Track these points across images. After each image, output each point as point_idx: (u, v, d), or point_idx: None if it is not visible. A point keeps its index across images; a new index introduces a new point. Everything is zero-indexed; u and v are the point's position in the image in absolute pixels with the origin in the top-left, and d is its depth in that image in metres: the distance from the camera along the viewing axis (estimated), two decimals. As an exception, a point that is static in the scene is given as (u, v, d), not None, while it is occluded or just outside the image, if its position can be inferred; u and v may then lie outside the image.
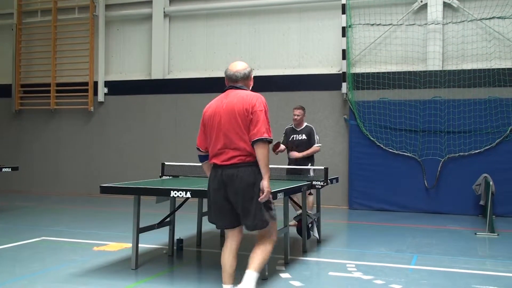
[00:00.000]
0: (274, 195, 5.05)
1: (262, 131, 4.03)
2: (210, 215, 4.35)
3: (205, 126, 4.28)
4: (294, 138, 8.18)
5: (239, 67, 4.33)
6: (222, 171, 4.12)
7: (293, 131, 8.27)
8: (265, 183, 4.07)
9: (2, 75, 14.38)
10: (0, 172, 9.68)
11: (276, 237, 4.43)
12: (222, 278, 4.27)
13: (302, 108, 8.30)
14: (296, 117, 8.21)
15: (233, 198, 4.12)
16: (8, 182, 13.14)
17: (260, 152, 4.04)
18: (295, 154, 8.00)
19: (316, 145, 8.11)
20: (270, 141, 4.08)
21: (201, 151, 4.37)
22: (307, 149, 8.06)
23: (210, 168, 4.31)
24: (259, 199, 4.06)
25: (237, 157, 4.09)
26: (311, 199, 8.08)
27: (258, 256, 4.19)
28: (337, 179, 7.86)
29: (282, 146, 8.00)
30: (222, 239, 7.40)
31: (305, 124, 8.26)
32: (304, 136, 8.12)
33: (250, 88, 4.40)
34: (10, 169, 9.80)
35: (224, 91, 4.35)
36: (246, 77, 4.33)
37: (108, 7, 13.56)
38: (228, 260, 4.23)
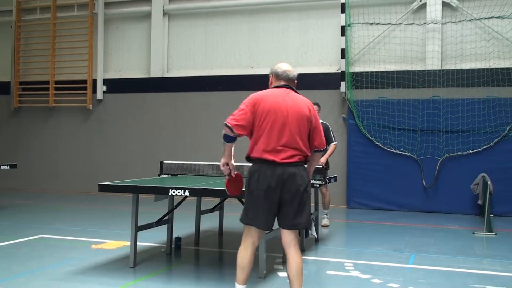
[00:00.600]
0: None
1: (324, 143, 4.27)
2: (254, 215, 4.02)
3: (261, 116, 4.03)
4: None
5: (291, 68, 4.34)
6: (283, 170, 3.98)
7: None
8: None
9: (1, 72, 14.37)
10: (-1, 169, 9.67)
11: None
12: (238, 277, 4.05)
13: (317, 105, 8.04)
14: None
15: (288, 197, 3.98)
16: (7, 179, 13.14)
17: (318, 159, 4.37)
18: (322, 160, 7.71)
19: (333, 143, 8.03)
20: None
21: (233, 132, 4.01)
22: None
23: (231, 152, 4.15)
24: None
25: (297, 156, 4.02)
26: (327, 198, 8.24)
27: (301, 275, 4.03)
28: (335, 178, 7.88)
29: None
30: (220, 237, 7.44)
31: (320, 121, 8.09)
32: None
33: None
34: (8, 167, 9.79)
35: (278, 87, 4.24)
36: (295, 78, 4.35)
37: (107, 5, 13.55)
38: (250, 260, 4.03)
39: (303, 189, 3.99)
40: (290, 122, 4.01)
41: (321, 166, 7.11)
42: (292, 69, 4.31)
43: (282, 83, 4.23)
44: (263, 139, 4.00)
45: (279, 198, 3.96)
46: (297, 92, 4.23)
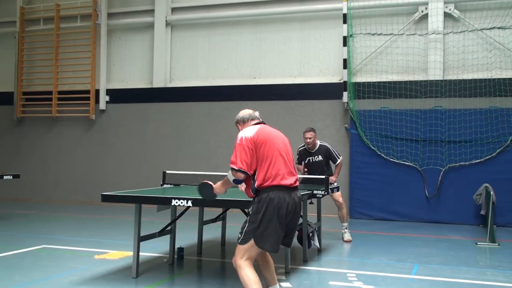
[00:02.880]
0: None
1: None
2: (270, 239, 4.10)
3: (260, 149, 4.20)
4: (311, 160, 7.94)
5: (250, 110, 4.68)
6: (295, 194, 4.27)
7: (307, 152, 7.99)
8: None
9: (4, 82, 14.43)
10: (1, 179, 9.69)
11: None
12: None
13: (313, 130, 7.96)
14: (308, 140, 7.89)
15: (295, 218, 4.31)
16: (9, 189, 13.15)
17: None
18: (333, 179, 7.71)
19: (339, 160, 7.95)
20: None
21: (246, 174, 4.16)
22: (324, 169, 7.87)
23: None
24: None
25: (297, 181, 4.40)
26: (344, 210, 8.10)
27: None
28: (337, 188, 7.87)
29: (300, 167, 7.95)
30: (222, 248, 7.43)
31: (318, 143, 7.98)
32: (320, 158, 7.89)
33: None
34: (11, 177, 9.80)
35: (256, 124, 4.52)
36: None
37: (110, 15, 13.63)
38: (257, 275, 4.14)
39: (299, 212, 4.40)
40: (286, 151, 4.36)
41: (323, 177, 7.13)
42: (253, 111, 4.65)
43: (256, 121, 4.53)
44: (272, 166, 4.18)
45: (290, 219, 4.22)
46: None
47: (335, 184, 7.90)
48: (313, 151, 7.97)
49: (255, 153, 4.18)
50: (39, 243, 7.54)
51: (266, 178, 4.15)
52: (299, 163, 8.02)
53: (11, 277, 5.63)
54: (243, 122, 4.54)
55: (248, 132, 4.27)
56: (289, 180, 4.19)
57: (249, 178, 4.22)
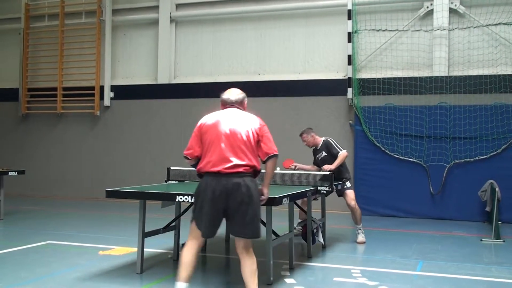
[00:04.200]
0: (280, 200, 5.07)
1: (270, 151, 4.47)
2: (200, 222, 4.32)
3: (205, 135, 4.43)
4: (319, 158, 7.91)
5: (236, 93, 4.73)
6: (228, 180, 4.22)
7: (316, 150, 8.01)
8: (266, 191, 4.52)
9: (9, 79, 14.46)
10: (7, 175, 9.72)
11: None
12: (180, 274, 4.26)
13: (305, 132, 7.94)
14: (304, 143, 7.97)
15: (233, 206, 4.22)
16: (14, 185, 13.19)
17: (270, 167, 4.49)
18: (326, 167, 7.56)
19: (340, 152, 7.76)
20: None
21: (188, 159, 4.53)
22: (330, 163, 7.73)
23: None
24: (260, 204, 4.38)
25: (242, 167, 4.28)
26: (358, 212, 7.84)
27: (255, 277, 4.33)
28: (350, 188, 7.85)
29: (291, 163, 7.90)
30: (227, 244, 7.43)
31: (322, 140, 7.93)
32: (324, 153, 7.84)
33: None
34: (16, 173, 9.84)
35: (224, 108, 4.66)
36: (240, 101, 4.68)
37: (114, 12, 13.64)
38: (194, 259, 4.32)
39: (248, 199, 4.22)
40: (232, 136, 4.34)
41: (328, 173, 7.12)
42: (236, 93, 4.72)
43: (227, 106, 4.63)
44: (208, 154, 4.35)
45: (225, 207, 4.23)
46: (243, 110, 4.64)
47: (349, 184, 7.79)
48: (318, 148, 7.95)
49: (201, 139, 4.45)
50: (44, 239, 7.56)
51: (202, 165, 4.37)
52: (314, 163, 8.02)
53: (17, 273, 5.66)
54: (221, 103, 4.70)
55: (204, 118, 4.54)
56: (218, 167, 4.24)
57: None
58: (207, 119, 4.50)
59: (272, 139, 4.54)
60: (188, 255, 4.30)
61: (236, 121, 4.42)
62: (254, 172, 4.38)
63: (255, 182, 4.38)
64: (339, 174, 7.66)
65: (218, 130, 4.37)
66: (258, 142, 4.44)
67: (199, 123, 4.52)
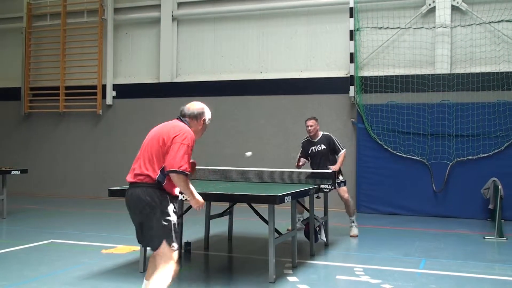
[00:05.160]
0: (282, 198, 5.06)
1: (172, 165, 3.98)
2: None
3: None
4: (314, 150, 7.89)
5: (194, 106, 4.41)
6: (134, 190, 4.13)
7: (310, 143, 7.96)
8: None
9: (12, 78, 14.47)
10: (9, 174, 9.73)
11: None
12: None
13: (314, 118, 7.93)
14: (309, 128, 7.85)
15: (134, 216, 4.18)
16: (17, 184, 13.20)
17: (175, 181, 4.05)
18: (333, 168, 7.59)
19: (342, 152, 7.85)
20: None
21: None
22: (328, 158, 7.83)
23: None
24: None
25: (144, 178, 4.10)
26: (350, 204, 7.96)
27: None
28: (344, 183, 7.85)
29: (302, 160, 7.92)
30: (229, 242, 7.44)
31: (321, 133, 7.95)
32: (323, 146, 7.83)
33: (199, 129, 4.35)
34: (19, 172, 9.86)
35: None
36: (193, 116, 4.32)
37: (116, 10, 13.63)
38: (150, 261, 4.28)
39: (149, 211, 3.99)
40: (147, 146, 4.17)
41: (330, 171, 7.12)
42: (194, 107, 4.36)
43: (177, 117, 4.36)
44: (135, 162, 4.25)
45: (132, 216, 4.17)
46: (185, 123, 4.24)
47: (341, 178, 7.85)
48: (316, 140, 7.94)
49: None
50: (47, 237, 7.58)
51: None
52: (303, 156, 8.02)
53: (20, 271, 5.67)
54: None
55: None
56: (129, 177, 4.20)
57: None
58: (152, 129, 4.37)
59: (184, 152, 3.99)
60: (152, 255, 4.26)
61: (157, 131, 4.21)
62: (159, 183, 4.05)
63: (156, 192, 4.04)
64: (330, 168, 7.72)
65: (145, 140, 4.27)
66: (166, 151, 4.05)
67: None
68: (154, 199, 4.00)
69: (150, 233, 4.02)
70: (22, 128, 14.35)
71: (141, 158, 4.16)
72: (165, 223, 3.97)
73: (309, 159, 8.03)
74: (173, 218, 4.03)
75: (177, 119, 4.31)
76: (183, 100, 14.01)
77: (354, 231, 8.06)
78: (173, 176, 3.98)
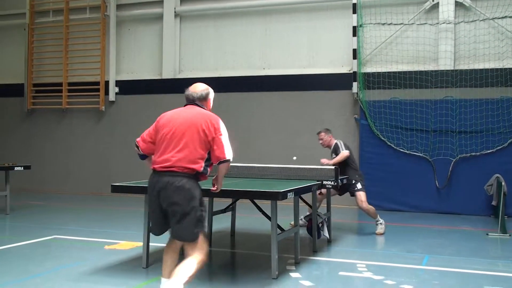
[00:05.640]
0: (285, 194, 5.06)
1: (222, 155, 4.23)
2: (152, 223, 4.41)
3: (158, 134, 4.31)
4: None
5: (199, 88, 4.47)
6: (165, 177, 4.10)
7: (331, 151, 8.13)
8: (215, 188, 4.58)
9: (15, 74, 14.49)
10: (13, 170, 9.75)
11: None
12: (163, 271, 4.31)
13: (323, 131, 8.11)
14: (320, 141, 8.09)
15: (165, 206, 4.15)
16: (20, 181, 13.24)
17: (222, 171, 4.42)
18: (324, 161, 7.74)
19: (340, 152, 7.84)
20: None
21: (139, 150, 4.47)
22: (345, 167, 7.83)
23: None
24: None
25: (179, 167, 4.11)
26: (371, 211, 7.93)
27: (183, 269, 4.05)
28: (359, 189, 7.83)
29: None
30: (232, 238, 7.45)
31: (334, 141, 8.06)
32: (334, 155, 7.94)
33: (209, 109, 4.54)
34: (22, 168, 9.87)
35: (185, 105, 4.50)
36: (202, 98, 4.44)
37: (119, 7, 13.63)
38: (171, 256, 4.35)
39: (190, 201, 4.03)
40: (183, 136, 4.15)
41: (331, 167, 7.10)
42: (200, 89, 4.45)
43: (187, 102, 4.46)
44: (157, 150, 4.26)
45: (160, 206, 4.13)
46: (203, 108, 4.42)
47: (359, 186, 7.87)
48: (331, 149, 8.06)
49: (154, 134, 4.35)
50: (50, 233, 7.59)
51: (152, 161, 4.29)
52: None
53: (24, 267, 5.69)
54: (185, 98, 4.54)
55: (163, 113, 4.43)
56: (160, 164, 4.15)
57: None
58: (164, 117, 4.38)
59: (227, 141, 4.24)
60: (165, 251, 4.35)
61: (180, 118, 4.25)
62: (196, 173, 4.14)
63: (194, 183, 4.15)
64: (347, 175, 7.74)
65: (168, 128, 4.22)
66: (209, 143, 4.19)
67: (157, 121, 4.42)
68: (195, 189, 4.11)
69: (187, 224, 4.02)
70: (25, 125, 14.37)
71: (178, 147, 4.12)
72: (202, 213, 4.11)
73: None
74: (205, 208, 4.17)
75: (191, 104, 4.38)
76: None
77: (378, 229, 7.99)
78: (223, 165, 4.23)
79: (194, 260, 4.03)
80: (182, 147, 4.11)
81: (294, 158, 7.22)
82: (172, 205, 4.04)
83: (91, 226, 8.54)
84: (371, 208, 7.92)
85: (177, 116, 4.29)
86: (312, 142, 8.11)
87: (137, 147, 4.47)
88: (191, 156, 4.10)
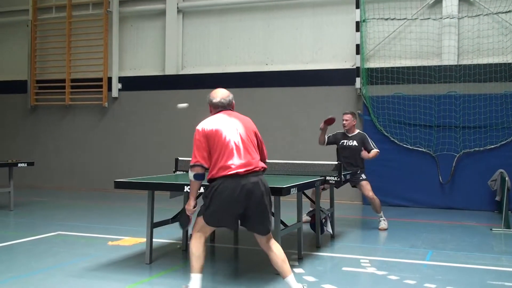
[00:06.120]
0: (288, 190, 5.05)
1: (265, 155, 4.72)
2: (218, 218, 4.46)
3: (211, 141, 4.37)
4: (345, 144, 8.03)
5: (226, 93, 4.70)
6: (249, 180, 4.29)
7: (344, 135, 8.13)
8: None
9: (18, 71, 14.50)
10: (16, 167, 9.76)
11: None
12: (194, 266, 4.36)
13: (352, 114, 8.14)
14: (344, 122, 8.07)
15: (253, 205, 4.36)
16: (24, 177, 13.26)
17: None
18: (365, 154, 7.83)
19: (375, 150, 7.92)
20: None
21: (203, 168, 4.40)
22: (357, 155, 7.91)
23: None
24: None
25: (257, 167, 4.42)
26: (376, 202, 7.97)
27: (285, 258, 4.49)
28: (364, 179, 7.82)
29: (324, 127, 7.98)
30: (235, 234, 7.43)
31: (357, 130, 8.12)
32: (355, 143, 7.95)
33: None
34: (25, 164, 9.88)
35: (219, 111, 4.63)
36: (231, 103, 4.71)
37: (122, 3, 13.61)
38: (205, 249, 4.45)
39: (268, 197, 4.43)
40: (248, 138, 4.47)
41: (336, 162, 7.10)
42: (227, 94, 4.66)
43: (220, 109, 4.60)
44: (224, 157, 4.31)
45: (245, 205, 4.31)
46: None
47: (364, 176, 7.93)
48: (350, 135, 8.09)
49: (207, 145, 4.37)
50: (54, 229, 7.61)
51: (215, 171, 4.33)
52: (328, 141, 8.15)
53: (27, 263, 5.70)
54: (213, 107, 4.66)
55: (202, 124, 4.46)
56: (237, 170, 4.26)
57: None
58: (210, 124, 4.44)
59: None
60: (198, 247, 4.39)
61: (233, 123, 4.49)
62: (264, 170, 4.54)
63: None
64: (356, 164, 7.77)
65: (225, 133, 4.37)
66: (259, 144, 4.62)
67: (200, 130, 4.43)
68: (267, 185, 4.46)
69: (267, 217, 4.40)
70: (28, 121, 14.39)
71: (247, 150, 4.37)
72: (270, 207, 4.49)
73: (338, 150, 8.18)
74: None
75: (227, 110, 4.61)
76: (188, 92, 14.17)
77: (382, 224, 8.01)
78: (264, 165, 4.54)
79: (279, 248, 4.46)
80: (254, 149, 4.46)
81: (182, 105, 6.39)
82: (262, 204, 4.34)
83: (94, 222, 8.55)
84: (377, 199, 7.98)
85: (228, 121, 4.47)
86: (312, 139, 8.09)
87: (201, 166, 4.36)
88: (261, 157, 4.54)
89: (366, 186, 7.93)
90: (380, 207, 8.01)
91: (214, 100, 4.60)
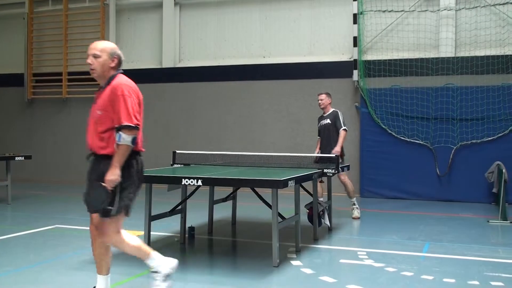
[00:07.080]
0: (285, 182, 5.05)
1: (120, 120, 4.05)
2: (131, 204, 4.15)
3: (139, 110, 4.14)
4: (321, 124, 8.19)
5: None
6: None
7: (321, 117, 8.30)
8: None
9: (15, 64, 14.44)
10: (13, 160, 9.75)
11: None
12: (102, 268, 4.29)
13: (326, 93, 8.28)
14: (320, 101, 8.21)
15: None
16: (21, 170, 13.24)
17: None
18: (335, 151, 7.71)
19: (341, 130, 7.91)
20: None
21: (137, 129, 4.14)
22: (331, 133, 7.99)
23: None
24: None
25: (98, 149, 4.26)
26: (349, 186, 8.13)
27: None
28: (348, 167, 7.84)
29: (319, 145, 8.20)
30: (233, 227, 7.46)
31: (332, 109, 8.22)
32: (328, 120, 8.07)
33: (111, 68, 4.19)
34: (23, 158, 9.87)
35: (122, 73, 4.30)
36: None
37: (118, -5, 13.57)
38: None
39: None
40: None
41: (333, 155, 7.11)
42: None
43: (121, 70, 4.19)
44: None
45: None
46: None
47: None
48: (325, 114, 8.20)
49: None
50: (51, 223, 7.61)
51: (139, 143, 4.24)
52: (319, 130, 8.30)
53: (25, 256, 5.71)
54: (119, 65, 4.16)
55: (131, 83, 4.07)
56: (142, 143, 4.24)
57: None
58: (138, 90, 4.12)
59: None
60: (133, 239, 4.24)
61: None
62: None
63: None
64: (329, 143, 7.84)
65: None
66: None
67: (135, 89, 4.18)
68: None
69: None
70: (25, 114, 14.36)
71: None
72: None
73: (319, 132, 8.30)
74: None
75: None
76: (186, 85, 14.13)
77: (355, 213, 8.19)
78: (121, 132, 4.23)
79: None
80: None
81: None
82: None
83: (92, 215, 8.54)
84: (350, 183, 8.17)
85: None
86: (311, 131, 8.11)
87: (137, 128, 4.11)
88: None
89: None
90: (354, 192, 8.20)
91: (120, 54, 4.16)
